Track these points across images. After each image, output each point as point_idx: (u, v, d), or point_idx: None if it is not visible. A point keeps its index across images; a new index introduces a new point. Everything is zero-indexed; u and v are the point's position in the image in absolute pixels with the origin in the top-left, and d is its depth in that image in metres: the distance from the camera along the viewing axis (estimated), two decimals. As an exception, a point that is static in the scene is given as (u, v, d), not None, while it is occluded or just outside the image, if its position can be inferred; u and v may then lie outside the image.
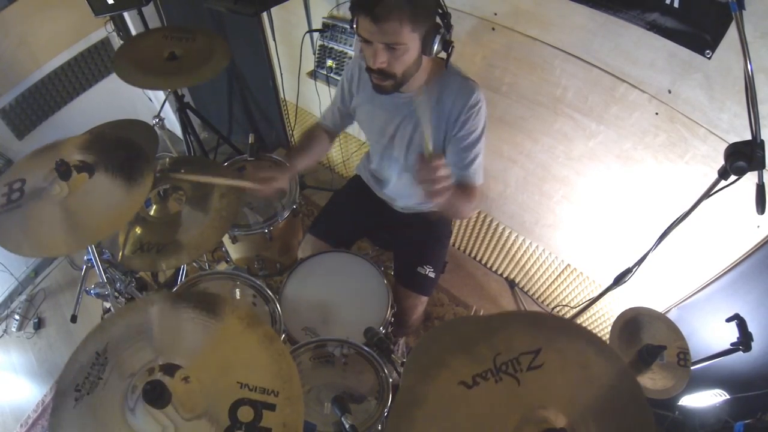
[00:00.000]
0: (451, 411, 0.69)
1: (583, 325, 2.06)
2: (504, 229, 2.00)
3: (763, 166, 0.86)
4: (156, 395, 0.69)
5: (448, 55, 1.07)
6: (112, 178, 1.15)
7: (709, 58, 1.08)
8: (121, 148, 1.23)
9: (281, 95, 2.43)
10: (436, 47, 1.05)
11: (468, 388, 0.70)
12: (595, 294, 1.50)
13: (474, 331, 0.76)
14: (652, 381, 1.24)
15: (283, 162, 1.47)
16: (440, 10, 1.05)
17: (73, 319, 1.76)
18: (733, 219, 1.25)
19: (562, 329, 0.78)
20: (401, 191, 1.52)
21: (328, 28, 1.91)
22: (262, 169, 1.38)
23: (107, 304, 1.56)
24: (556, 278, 1.99)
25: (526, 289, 2.22)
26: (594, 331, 2.04)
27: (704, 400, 1.36)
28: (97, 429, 0.74)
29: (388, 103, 1.27)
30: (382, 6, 0.98)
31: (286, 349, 0.78)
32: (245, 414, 0.71)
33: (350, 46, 1.89)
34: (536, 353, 0.72)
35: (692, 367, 1.27)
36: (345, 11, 1.84)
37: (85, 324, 1.92)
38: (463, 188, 1.26)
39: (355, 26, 1.07)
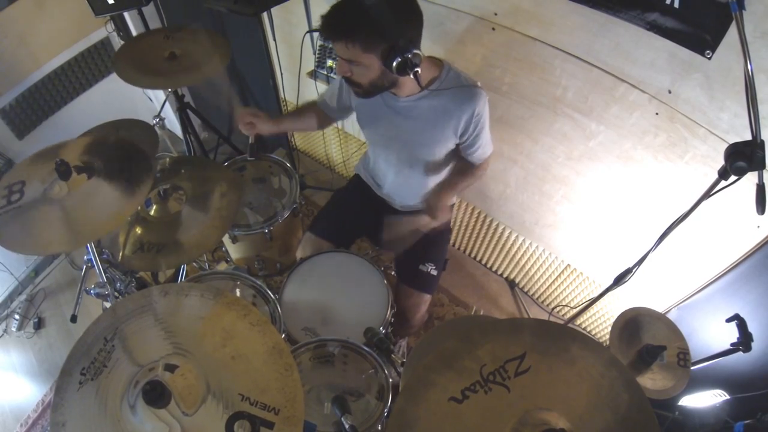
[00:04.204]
0: (444, 428, 0.69)
1: (583, 325, 2.07)
2: (504, 229, 2.00)
3: (763, 166, 0.86)
4: (156, 395, 0.69)
5: (417, 78, 1.09)
6: (111, 180, 1.16)
7: (709, 58, 1.08)
8: (122, 150, 1.24)
9: (281, 95, 2.43)
10: (395, 67, 1.06)
11: (459, 403, 0.70)
12: (595, 294, 1.49)
13: (456, 346, 0.76)
14: (652, 381, 1.24)
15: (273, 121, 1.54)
16: (404, 32, 1.06)
17: (73, 319, 1.76)
18: (733, 219, 1.25)
19: (542, 330, 0.78)
20: (399, 190, 1.53)
21: (328, 28, 1.91)
22: (247, 115, 1.47)
23: (107, 304, 1.56)
24: (556, 278, 1.99)
25: (526, 290, 2.22)
26: (594, 332, 2.04)
27: (704, 400, 1.35)
28: (96, 416, 0.74)
29: (390, 107, 1.30)
30: (331, 26, 1.09)
31: (294, 367, 0.77)
32: (242, 429, 0.71)
33: (350, 46, 1.89)
34: (521, 358, 0.73)
35: (692, 368, 1.27)
36: (345, 11, 1.84)
37: (85, 324, 1.91)
38: (469, 167, 1.41)
39: None
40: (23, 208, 1.12)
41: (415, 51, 1.05)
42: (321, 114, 1.58)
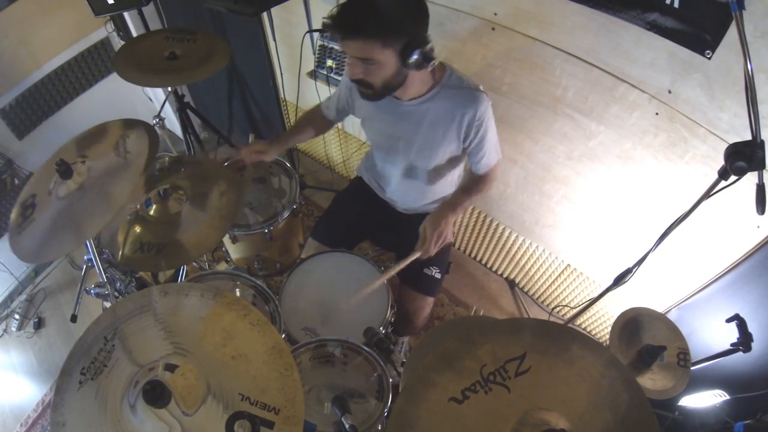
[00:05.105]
0: (444, 429, 0.69)
1: (583, 325, 2.07)
2: (504, 229, 2.00)
3: (763, 166, 0.86)
4: (156, 395, 0.69)
5: (433, 71, 1.11)
6: (109, 157, 1.16)
7: (709, 58, 1.08)
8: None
9: (281, 95, 2.43)
10: (413, 62, 1.07)
11: (459, 404, 0.70)
12: (595, 294, 1.49)
13: (456, 346, 0.76)
14: (652, 381, 1.24)
15: (276, 144, 1.56)
16: (416, 27, 1.07)
17: (73, 318, 1.76)
18: (733, 219, 1.25)
19: (542, 331, 0.78)
20: (403, 194, 1.52)
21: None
22: (252, 146, 1.51)
23: (107, 304, 1.56)
24: (556, 278, 1.99)
25: (526, 290, 2.22)
26: (594, 332, 2.04)
27: (704, 400, 1.35)
28: (96, 416, 0.74)
29: (393, 110, 1.30)
30: (348, 24, 1.05)
31: (294, 367, 0.77)
32: (242, 429, 0.71)
33: (350, 46, 1.89)
34: (521, 358, 0.73)
35: (692, 368, 1.27)
36: (345, 11, 1.84)
37: (85, 324, 1.91)
38: (475, 182, 1.38)
39: None
40: (38, 220, 1.12)
41: (431, 45, 1.06)
42: (320, 121, 1.59)
